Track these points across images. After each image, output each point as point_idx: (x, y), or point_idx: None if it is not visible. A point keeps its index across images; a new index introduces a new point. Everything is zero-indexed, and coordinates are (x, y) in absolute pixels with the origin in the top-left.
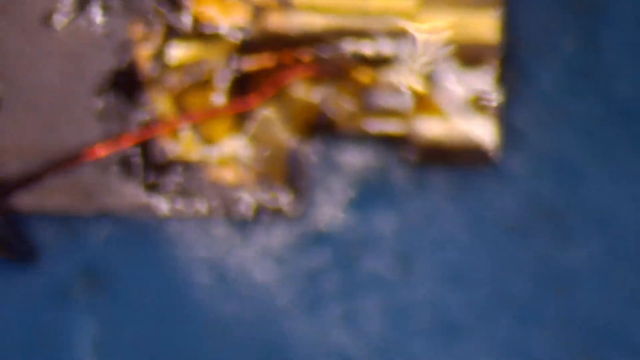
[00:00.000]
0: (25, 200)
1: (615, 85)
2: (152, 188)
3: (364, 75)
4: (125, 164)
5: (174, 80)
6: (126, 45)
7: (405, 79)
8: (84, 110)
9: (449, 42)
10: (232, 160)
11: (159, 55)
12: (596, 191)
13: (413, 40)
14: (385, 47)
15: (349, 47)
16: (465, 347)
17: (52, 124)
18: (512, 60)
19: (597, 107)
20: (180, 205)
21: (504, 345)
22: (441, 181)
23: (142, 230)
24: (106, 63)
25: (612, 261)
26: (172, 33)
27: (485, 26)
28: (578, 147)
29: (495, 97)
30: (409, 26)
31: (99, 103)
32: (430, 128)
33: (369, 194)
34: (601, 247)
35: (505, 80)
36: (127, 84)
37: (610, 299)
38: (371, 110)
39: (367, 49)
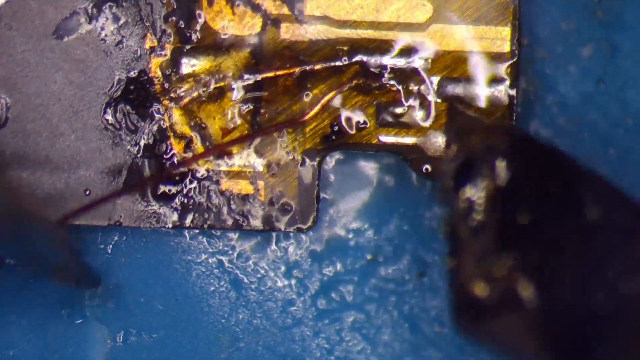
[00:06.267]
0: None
1: (632, 92)
2: (162, 198)
3: (377, 87)
4: (135, 175)
5: (185, 90)
6: (138, 56)
7: (419, 91)
8: (93, 121)
9: (463, 53)
10: (244, 171)
11: (170, 66)
12: None
13: (426, 51)
14: (398, 59)
15: (362, 59)
16: (480, 355)
17: (61, 134)
18: (529, 68)
19: (614, 114)
20: (191, 215)
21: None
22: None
23: (153, 241)
24: (117, 73)
25: None
26: (185, 43)
27: (500, 37)
28: (595, 154)
29: (510, 107)
30: (422, 38)
31: (109, 113)
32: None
33: (383, 204)
34: None
35: (522, 88)
36: (138, 94)
37: None
38: (385, 121)
39: (381, 60)
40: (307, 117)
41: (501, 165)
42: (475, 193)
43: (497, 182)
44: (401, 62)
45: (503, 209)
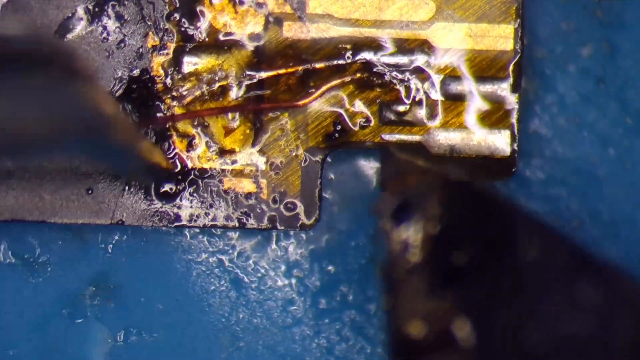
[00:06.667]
0: (35, 210)
1: (632, 92)
2: (165, 197)
3: (380, 84)
4: (137, 174)
5: (188, 89)
6: (140, 55)
7: (422, 89)
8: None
9: (466, 52)
10: (247, 170)
11: (173, 64)
12: (613, 197)
13: (429, 50)
14: (401, 57)
15: (365, 56)
16: None
17: None
18: (529, 68)
19: (613, 114)
20: (193, 214)
21: None
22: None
23: (153, 240)
24: (119, 72)
25: (629, 267)
26: (187, 42)
27: (503, 35)
28: (595, 153)
29: (512, 106)
30: (425, 36)
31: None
32: (448, 137)
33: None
34: (618, 253)
35: (522, 88)
36: (140, 93)
37: None
38: (388, 119)
39: (383, 58)
40: (305, 101)
41: (435, 207)
42: (410, 234)
43: (433, 224)
44: (404, 60)
45: (439, 250)
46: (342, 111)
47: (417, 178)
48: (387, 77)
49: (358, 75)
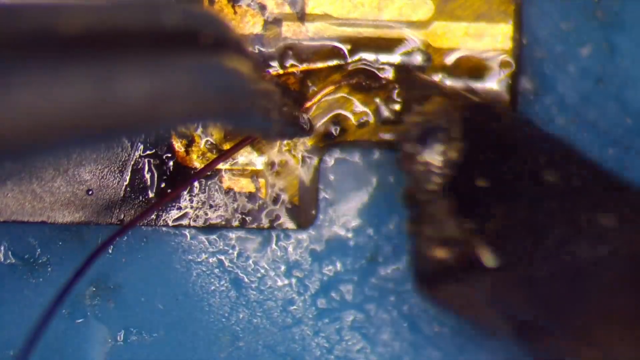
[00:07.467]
0: (35, 210)
1: (631, 92)
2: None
3: (378, 87)
4: (137, 174)
5: None
6: None
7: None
8: None
9: (464, 51)
10: (245, 169)
11: None
12: None
13: (427, 49)
14: (399, 57)
15: (363, 57)
16: (480, 354)
17: None
18: (529, 68)
19: (613, 114)
20: (193, 214)
21: (515, 353)
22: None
23: (153, 241)
24: None
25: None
26: None
27: (501, 34)
28: (594, 154)
29: (514, 103)
30: (424, 36)
31: None
32: None
33: (383, 203)
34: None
35: (521, 88)
36: None
37: None
38: (386, 118)
39: (381, 58)
40: (306, 105)
41: (458, 130)
42: (433, 157)
43: (455, 147)
44: (403, 60)
45: (461, 173)
46: (340, 110)
47: (439, 101)
48: (384, 78)
49: (355, 79)
